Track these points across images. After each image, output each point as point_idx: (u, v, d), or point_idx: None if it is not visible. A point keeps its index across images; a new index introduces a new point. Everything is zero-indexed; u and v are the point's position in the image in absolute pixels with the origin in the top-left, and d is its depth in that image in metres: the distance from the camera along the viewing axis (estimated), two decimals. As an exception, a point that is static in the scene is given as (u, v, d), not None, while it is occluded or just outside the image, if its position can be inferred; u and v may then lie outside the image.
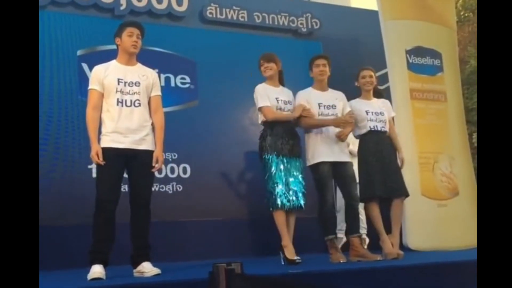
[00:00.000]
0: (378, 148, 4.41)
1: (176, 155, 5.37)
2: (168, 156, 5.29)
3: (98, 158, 3.39)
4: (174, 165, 5.38)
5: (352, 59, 6.15)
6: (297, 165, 4.19)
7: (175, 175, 5.37)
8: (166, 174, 5.29)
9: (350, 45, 6.39)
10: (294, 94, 4.41)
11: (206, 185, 5.37)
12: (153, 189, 3.67)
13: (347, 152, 4.35)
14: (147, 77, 3.62)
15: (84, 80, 5.22)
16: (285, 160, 4.09)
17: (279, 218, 4.04)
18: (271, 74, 4.28)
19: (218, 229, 5.31)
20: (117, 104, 3.47)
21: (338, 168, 4.23)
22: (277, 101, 4.22)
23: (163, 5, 5.73)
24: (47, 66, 5.09)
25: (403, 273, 3.69)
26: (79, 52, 5.27)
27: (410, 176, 5.41)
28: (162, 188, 5.25)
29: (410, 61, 5.89)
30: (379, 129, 4.47)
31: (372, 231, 4.51)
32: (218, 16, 5.99)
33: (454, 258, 4.26)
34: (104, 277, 3.25)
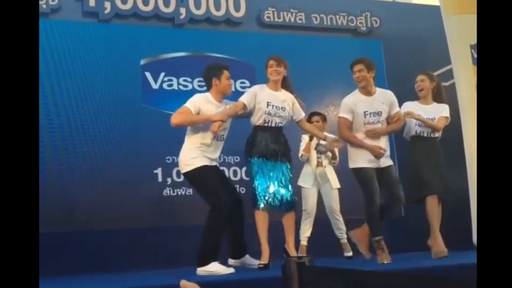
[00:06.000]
0: (424, 152, 4.47)
1: (238, 159, 5.44)
2: (230, 160, 5.40)
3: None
4: (237, 168, 5.48)
5: (414, 56, 6.02)
6: (283, 169, 4.00)
7: (238, 178, 5.47)
8: (228, 177, 5.36)
9: (411, 42, 6.25)
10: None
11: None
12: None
13: (388, 154, 4.26)
14: None
15: (148, 88, 5.41)
16: (268, 163, 3.95)
17: (259, 219, 3.91)
18: (278, 79, 4.10)
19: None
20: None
21: (381, 174, 4.18)
22: (267, 105, 4.01)
23: (221, 12, 5.82)
24: (112, 76, 5.29)
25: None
26: (142, 62, 5.45)
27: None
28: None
29: (475, 56, 5.69)
30: (424, 135, 4.50)
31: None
32: (276, 19, 6.03)
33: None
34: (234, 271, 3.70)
